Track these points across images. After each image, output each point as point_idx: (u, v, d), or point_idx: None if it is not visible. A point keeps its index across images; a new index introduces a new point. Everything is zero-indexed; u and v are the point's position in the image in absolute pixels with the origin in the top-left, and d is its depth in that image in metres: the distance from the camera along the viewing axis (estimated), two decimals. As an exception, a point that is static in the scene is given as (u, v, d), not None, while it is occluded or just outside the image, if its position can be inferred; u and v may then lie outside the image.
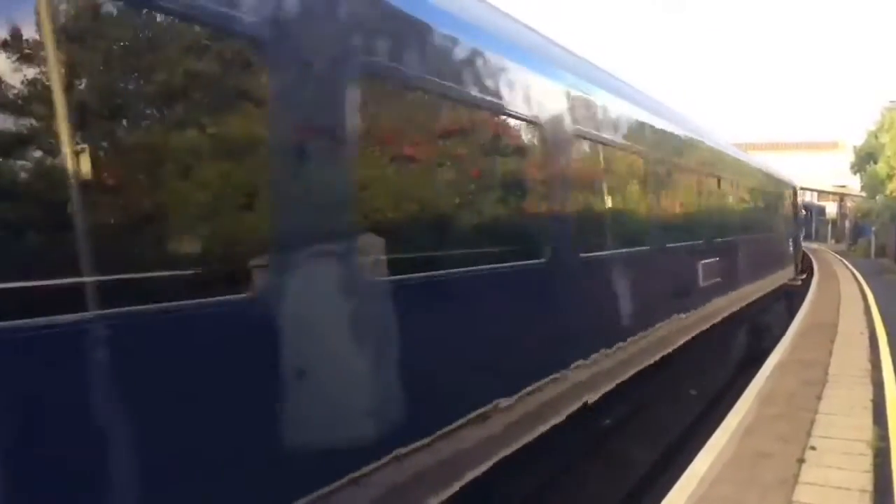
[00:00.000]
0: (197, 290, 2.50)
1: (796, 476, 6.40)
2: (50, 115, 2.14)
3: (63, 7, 2.26)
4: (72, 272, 2.13)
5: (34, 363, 2.02)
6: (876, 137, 46.68)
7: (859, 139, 49.63)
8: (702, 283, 9.87)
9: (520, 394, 4.61)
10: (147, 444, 2.28)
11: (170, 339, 2.35)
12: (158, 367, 2.31)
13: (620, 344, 6.54)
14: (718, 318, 10.82)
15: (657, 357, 7.57)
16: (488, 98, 4.35)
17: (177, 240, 2.61)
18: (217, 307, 2.53)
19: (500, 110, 4.58)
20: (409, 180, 3.94)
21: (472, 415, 3.97)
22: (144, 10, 2.50)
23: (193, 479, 2.43)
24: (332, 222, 3.06)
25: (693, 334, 9.14)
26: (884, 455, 6.89)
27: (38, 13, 2.13)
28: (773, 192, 19.36)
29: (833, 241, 63.89)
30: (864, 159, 47.35)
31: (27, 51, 2.12)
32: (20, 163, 2.21)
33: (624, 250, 7.01)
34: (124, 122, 2.49)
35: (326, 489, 2.97)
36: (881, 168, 39.42)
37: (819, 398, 9.11)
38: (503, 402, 4.35)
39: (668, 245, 8.51)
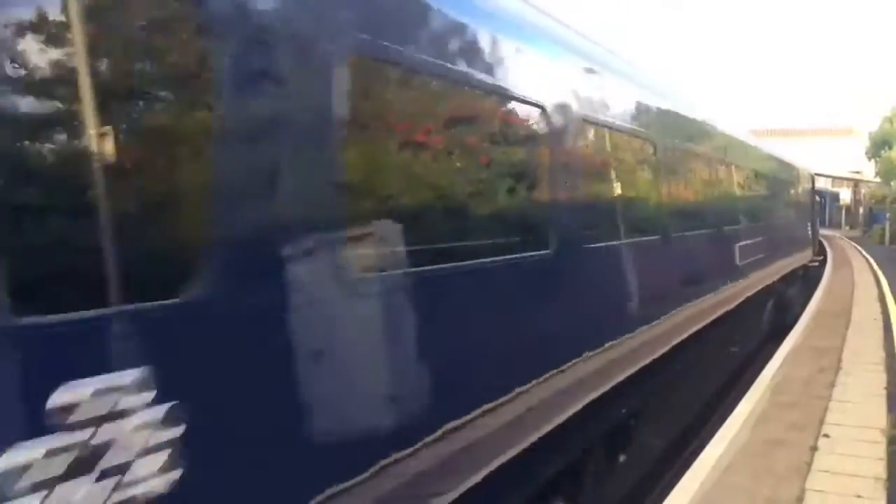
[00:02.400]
0: None
1: (809, 464, 6.39)
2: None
3: None
4: None
5: None
6: (891, 123, 46.32)
7: (874, 125, 49.29)
8: None
9: None
10: None
11: None
12: None
13: None
14: None
15: None
16: None
17: None
18: None
19: None
20: None
21: None
22: None
23: None
24: None
25: None
26: (898, 443, 6.85)
27: None
28: None
29: (847, 228, 63.39)
30: (879, 145, 47.05)
31: None
32: None
33: None
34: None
35: None
36: (896, 154, 39.04)
37: (832, 385, 9.07)
38: None
39: None
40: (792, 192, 19.36)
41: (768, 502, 5.64)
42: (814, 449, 6.76)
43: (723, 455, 6.48)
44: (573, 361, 4.84)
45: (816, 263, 23.46)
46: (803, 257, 20.10)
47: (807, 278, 21.13)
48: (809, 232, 22.30)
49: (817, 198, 32.95)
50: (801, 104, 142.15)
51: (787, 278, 16.92)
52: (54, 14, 2.01)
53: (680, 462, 7.77)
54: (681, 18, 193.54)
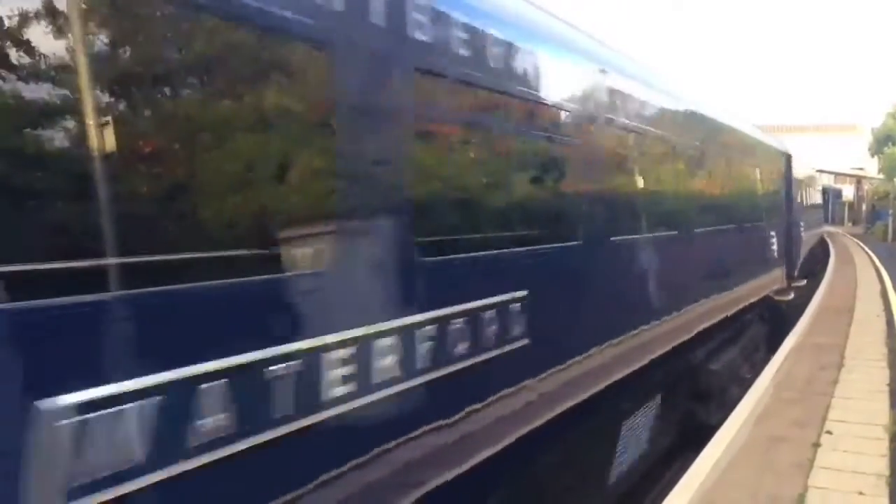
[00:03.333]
0: None
1: (812, 460, 6.37)
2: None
3: None
4: None
5: None
6: (894, 119, 46.14)
7: (877, 122, 49.15)
8: None
9: None
10: None
11: None
12: None
13: None
14: None
15: None
16: None
17: None
18: None
19: None
20: None
21: None
22: None
23: None
24: None
25: None
26: (900, 439, 6.83)
27: None
28: None
29: (850, 224, 63.29)
30: (882, 142, 46.87)
31: None
32: None
33: None
34: None
35: None
36: (899, 150, 38.98)
37: (835, 382, 9.05)
38: None
39: None
40: (746, 179, 11.52)
41: (770, 499, 5.63)
42: (816, 446, 6.75)
43: (725, 451, 6.47)
44: None
45: (791, 296, 14.54)
46: (758, 288, 11.71)
47: (774, 317, 13.90)
48: (775, 243, 13.24)
49: (820, 194, 31.69)
50: (805, 100, 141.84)
51: (718, 335, 9.41)
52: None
53: (682, 459, 7.76)
54: (682, 17, 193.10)
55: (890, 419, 7.41)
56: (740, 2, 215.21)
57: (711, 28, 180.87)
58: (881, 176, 50.58)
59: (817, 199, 28.12)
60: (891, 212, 44.64)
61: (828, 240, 33.54)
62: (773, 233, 13.08)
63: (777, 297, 13.83)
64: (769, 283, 12.78)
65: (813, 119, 70.58)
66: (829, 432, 7.12)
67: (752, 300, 11.27)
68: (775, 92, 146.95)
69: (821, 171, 36.93)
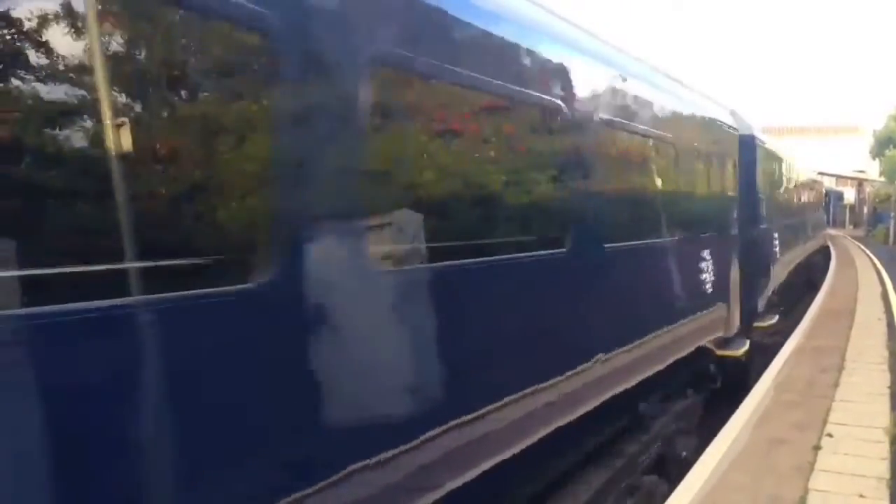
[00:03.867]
0: None
1: (812, 463, 6.38)
2: None
3: None
4: None
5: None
6: (896, 122, 46.13)
7: (879, 123, 49.13)
8: None
9: None
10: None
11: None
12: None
13: None
14: None
15: None
16: None
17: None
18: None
19: None
20: None
21: None
22: None
23: None
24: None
25: None
26: (901, 442, 6.83)
27: None
28: None
29: (851, 227, 63.28)
30: (884, 144, 46.83)
31: None
32: None
33: None
34: None
35: None
36: (901, 153, 38.95)
37: (836, 385, 9.05)
38: None
39: None
40: (619, 169, 5.65)
41: (771, 501, 5.64)
42: (817, 448, 6.76)
43: (726, 453, 6.47)
44: None
45: (744, 347, 9.27)
46: (665, 350, 6.33)
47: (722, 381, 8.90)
48: (712, 269, 7.85)
49: (821, 195, 31.22)
50: (805, 102, 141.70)
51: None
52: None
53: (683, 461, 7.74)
54: (682, 17, 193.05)
55: (890, 422, 7.41)
56: (741, 2, 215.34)
57: (712, 28, 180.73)
58: (882, 178, 50.54)
59: (818, 203, 27.61)
60: (892, 214, 44.60)
61: (829, 244, 33.50)
62: (706, 253, 7.78)
63: (721, 352, 8.84)
64: (696, 334, 7.52)
65: (814, 121, 70.59)
66: (829, 435, 7.12)
67: (648, 374, 6.00)
68: (776, 94, 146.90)
69: (822, 174, 36.80)
